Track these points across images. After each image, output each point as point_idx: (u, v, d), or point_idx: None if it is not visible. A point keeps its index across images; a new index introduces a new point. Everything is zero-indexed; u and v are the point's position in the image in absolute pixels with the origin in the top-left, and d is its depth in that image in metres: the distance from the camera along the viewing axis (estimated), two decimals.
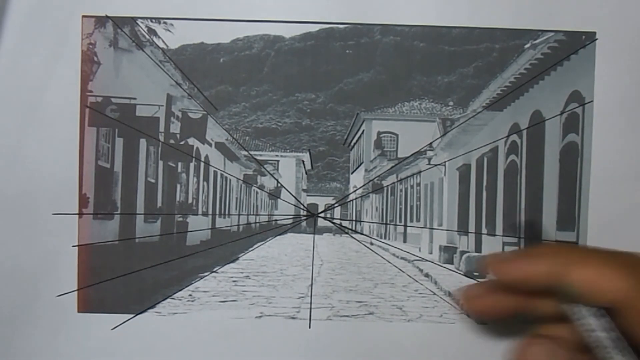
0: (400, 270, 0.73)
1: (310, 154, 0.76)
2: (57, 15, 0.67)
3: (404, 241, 0.81)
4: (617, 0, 0.68)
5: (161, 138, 0.72)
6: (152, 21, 0.68)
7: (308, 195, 0.80)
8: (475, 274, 0.74)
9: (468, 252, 0.75)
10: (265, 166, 0.78)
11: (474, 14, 0.68)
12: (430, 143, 0.75)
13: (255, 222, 0.79)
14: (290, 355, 0.69)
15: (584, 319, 0.27)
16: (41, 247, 0.67)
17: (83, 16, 0.67)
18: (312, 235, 0.74)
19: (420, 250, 0.80)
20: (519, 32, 0.69)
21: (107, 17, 0.67)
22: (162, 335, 0.69)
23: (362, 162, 0.81)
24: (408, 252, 0.77)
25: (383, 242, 0.77)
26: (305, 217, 0.75)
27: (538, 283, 0.28)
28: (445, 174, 0.79)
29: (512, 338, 0.28)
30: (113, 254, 0.69)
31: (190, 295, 0.71)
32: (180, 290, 0.70)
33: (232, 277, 0.72)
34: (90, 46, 0.68)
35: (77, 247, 0.68)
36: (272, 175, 0.78)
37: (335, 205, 0.78)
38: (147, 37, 0.69)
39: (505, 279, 0.28)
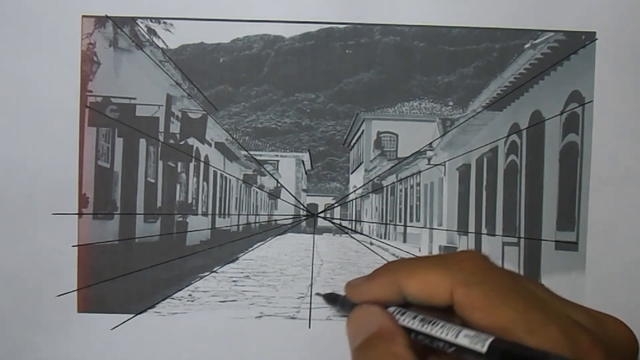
0: None
1: (310, 154, 0.76)
2: (57, 15, 0.67)
3: (404, 241, 0.81)
4: (617, 0, 0.68)
5: (161, 138, 0.72)
6: (152, 21, 0.68)
7: (308, 195, 0.80)
8: None
9: None
10: (265, 166, 0.78)
11: (474, 14, 0.68)
12: (430, 143, 0.75)
13: (255, 222, 0.79)
14: (290, 355, 0.69)
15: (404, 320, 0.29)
16: (41, 247, 0.67)
17: (83, 16, 0.67)
18: (311, 235, 0.74)
19: (420, 250, 0.80)
20: (519, 32, 0.69)
21: (107, 17, 0.68)
22: (162, 335, 0.69)
23: (362, 162, 0.81)
24: (408, 252, 0.77)
25: (383, 242, 0.77)
26: (305, 217, 0.75)
27: (387, 301, 0.30)
28: (445, 174, 0.79)
29: None
30: (113, 254, 0.69)
31: (190, 295, 0.71)
32: (180, 290, 0.71)
33: (232, 277, 0.72)
34: (90, 46, 0.68)
35: (77, 247, 0.68)
36: (272, 175, 0.78)
37: (335, 205, 0.78)
38: (147, 37, 0.69)
39: (360, 302, 0.30)
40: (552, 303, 0.28)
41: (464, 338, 0.26)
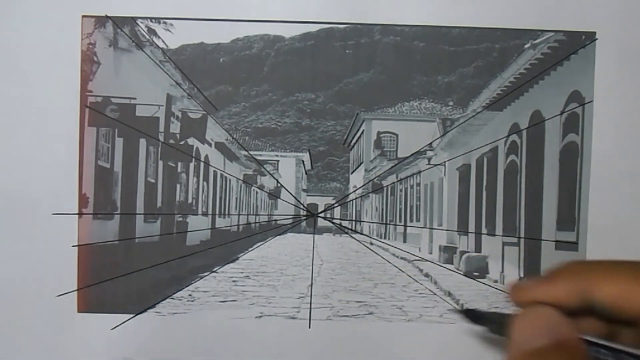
0: (400, 270, 0.73)
1: (310, 154, 0.76)
2: (57, 15, 0.67)
3: (404, 241, 0.81)
4: (617, 0, 0.68)
5: (161, 138, 0.72)
6: (152, 21, 0.68)
7: (308, 195, 0.80)
8: (475, 273, 0.74)
9: (468, 252, 0.75)
10: (265, 166, 0.78)
11: (474, 14, 0.68)
12: (430, 143, 0.75)
13: (255, 222, 0.79)
14: (290, 355, 0.69)
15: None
16: (41, 247, 0.67)
17: (83, 16, 0.67)
18: (312, 235, 0.74)
19: (420, 250, 0.80)
20: (519, 32, 0.69)
21: (107, 17, 0.67)
22: (162, 335, 0.69)
23: (362, 162, 0.81)
24: (408, 252, 0.77)
25: (383, 242, 0.77)
26: (305, 217, 0.75)
27: (564, 305, 0.28)
28: (445, 174, 0.79)
29: None
30: (113, 254, 0.69)
31: (190, 295, 0.71)
32: (180, 290, 0.70)
33: (232, 277, 0.72)
34: (90, 46, 0.68)
35: (77, 247, 0.68)
36: (272, 175, 0.78)
37: (335, 205, 0.78)
38: (147, 37, 0.69)
39: (530, 303, 0.28)
40: None
41: None
